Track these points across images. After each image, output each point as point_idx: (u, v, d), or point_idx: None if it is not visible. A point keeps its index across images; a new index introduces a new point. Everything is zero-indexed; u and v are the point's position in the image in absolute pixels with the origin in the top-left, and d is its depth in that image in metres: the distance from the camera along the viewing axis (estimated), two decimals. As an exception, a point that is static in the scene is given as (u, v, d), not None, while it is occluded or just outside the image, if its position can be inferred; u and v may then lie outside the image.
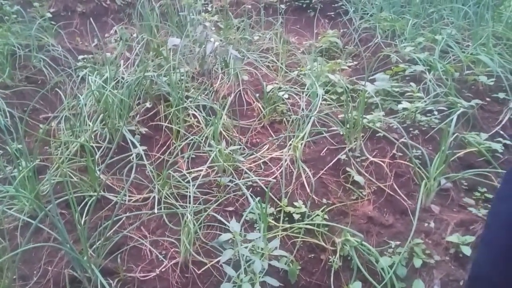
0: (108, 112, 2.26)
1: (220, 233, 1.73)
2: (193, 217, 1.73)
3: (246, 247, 1.55)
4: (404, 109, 2.36)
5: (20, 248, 1.54)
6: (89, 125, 2.28)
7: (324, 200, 1.90)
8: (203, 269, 1.63)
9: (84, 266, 1.56)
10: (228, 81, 2.69)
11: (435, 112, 2.36)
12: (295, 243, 1.73)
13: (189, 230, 1.65)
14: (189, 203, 1.80)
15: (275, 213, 1.83)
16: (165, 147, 2.27)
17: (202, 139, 2.19)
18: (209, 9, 3.76)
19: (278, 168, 2.05)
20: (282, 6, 4.06)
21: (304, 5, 4.21)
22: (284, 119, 2.46)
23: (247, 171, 2.02)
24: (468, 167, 2.07)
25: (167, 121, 2.34)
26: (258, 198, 1.72)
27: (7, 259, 1.51)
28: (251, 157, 2.16)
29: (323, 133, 2.28)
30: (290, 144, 2.14)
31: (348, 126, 2.18)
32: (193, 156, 2.18)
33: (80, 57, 3.06)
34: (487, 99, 2.56)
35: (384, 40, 3.29)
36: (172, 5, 3.30)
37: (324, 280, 1.67)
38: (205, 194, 1.93)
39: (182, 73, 2.60)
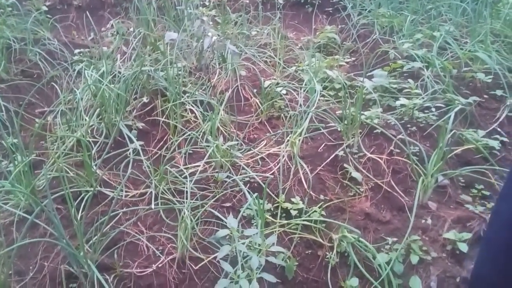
0: (105, 106, 2.24)
1: (217, 229, 1.73)
2: (190, 212, 1.72)
3: (243, 243, 1.55)
4: (402, 105, 2.36)
5: (16, 244, 1.53)
6: (85, 119, 2.26)
7: (322, 196, 1.90)
8: (200, 265, 1.62)
9: (81, 262, 1.55)
10: (226, 76, 2.68)
11: (433, 109, 2.36)
12: (292, 239, 1.73)
13: (186, 226, 1.65)
14: (186, 198, 1.79)
15: (272, 209, 1.83)
16: (162, 142, 2.25)
17: (199, 135, 2.18)
18: (207, 3, 3.73)
19: (276, 164, 2.04)
20: (280, 1, 4.04)
21: (302, 1, 4.19)
22: (282, 115, 2.46)
23: (244, 167, 2.01)
24: (465, 164, 2.07)
25: (164, 116, 2.33)
26: (256, 194, 1.71)
27: (2, 255, 1.50)
28: (248, 152, 2.15)
29: (320, 129, 2.27)
30: (288, 140, 2.13)
31: (346, 122, 2.18)
32: (190, 151, 2.17)
33: (76, 51, 3.03)
34: (485, 96, 2.56)
35: (382, 36, 3.28)
36: (170, -1, 3.27)
37: (321, 276, 1.67)
38: (202, 189, 1.92)
39: (179, 68, 2.58)
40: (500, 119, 2.38)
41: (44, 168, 1.97)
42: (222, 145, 2.04)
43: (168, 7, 3.20)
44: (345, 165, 2.03)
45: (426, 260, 1.66)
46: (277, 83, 2.61)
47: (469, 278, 1.55)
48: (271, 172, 2.00)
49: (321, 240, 1.73)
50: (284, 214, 1.82)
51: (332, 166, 2.06)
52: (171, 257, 1.65)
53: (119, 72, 2.46)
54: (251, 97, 2.59)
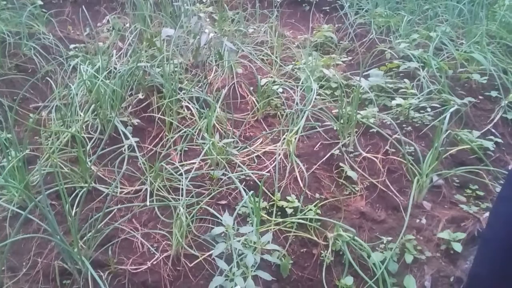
0: (100, 102, 2.22)
1: (212, 226, 1.73)
2: (186, 210, 1.71)
3: (238, 241, 1.55)
4: (398, 105, 2.37)
5: (9, 239, 1.52)
6: (80, 115, 2.24)
7: (317, 195, 1.91)
8: (195, 262, 1.62)
9: (75, 258, 1.54)
10: (222, 74, 2.67)
11: (429, 109, 2.37)
12: (288, 238, 1.73)
13: (181, 223, 1.64)
14: (182, 196, 1.78)
15: (268, 207, 1.83)
16: (157, 139, 2.24)
17: (195, 132, 2.17)
18: (204, 0, 3.72)
19: (272, 162, 2.04)
20: (278, -1, 4.03)
21: (299, -1, 4.19)
22: (278, 113, 2.45)
23: (240, 164, 2.01)
24: (460, 164, 2.08)
25: (160, 113, 2.32)
26: (251, 192, 1.71)
27: (-5, 250, 1.48)
28: (244, 150, 2.15)
29: (317, 128, 2.27)
30: (284, 138, 2.13)
31: (342, 121, 2.18)
32: (186, 148, 2.16)
33: (72, 46, 3.00)
34: (480, 97, 2.58)
35: (378, 36, 3.28)
36: (166, -5, 3.25)
37: (316, 274, 1.68)
38: (198, 187, 1.92)
39: (176, 64, 2.57)
40: (495, 120, 2.39)
41: (38, 163, 1.96)
42: (218, 143, 2.03)
43: (165, 3, 3.18)
44: (340, 164, 2.03)
45: (420, 259, 1.67)
46: (274, 81, 2.60)
47: (464, 278, 1.56)
48: (267, 170, 2.00)
49: (316, 239, 1.74)
50: (279, 212, 1.82)
51: (328, 164, 2.06)
52: (166, 254, 1.64)
53: (115, 68, 2.44)
54: (248, 95, 2.58)
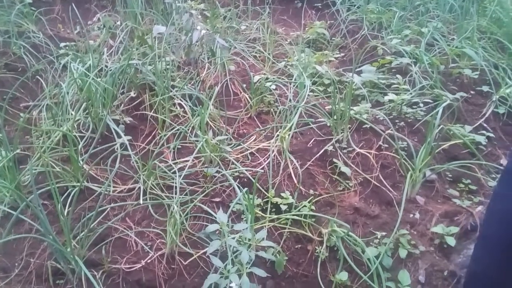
0: (91, 101, 2.20)
1: (206, 224, 1.72)
2: (180, 208, 1.71)
3: (233, 238, 1.54)
4: (390, 101, 2.37)
5: (1, 240, 1.50)
6: (71, 114, 2.22)
7: (311, 191, 1.91)
8: (189, 260, 1.61)
9: (68, 258, 1.53)
10: (215, 71, 2.66)
11: (421, 104, 2.38)
12: (282, 234, 1.73)
13: (175, 221, 1.63)
14: (175, 194, 1.77)
15: (262, 204, 1.83)
16: (150, 137, 2.23)
17: (188, 129, 2.16)
18: (195, -3, 3.70)
19: (266, 159, 2.04)
20: (269, -5, 4.02)
21: (291, -4, 4.18)
22: (272, 110, 2.45)
23: (234, 161, 2.00)
24: (452, 159, 2.10)
25: (152, 111, 2.30)
26: (246, 189, 1.70)
27: (-14, 251, 1.46)
28: (238, 148, 2.14)
29: (310, 124, 2.27)
30: (278, 135, 2.13)
31: (335, 117, 2.18)
32: (179, 146, 2.15)
33: (62, 44, 2.97)
34: (471, 92, 2.59)
35: (371, 32, 3.29)
36: (157, -8, 3.22)
37: (311, 270, 1.68)
38: (192, 185, 1.91)
39: (168, 62, 2.55)
40: (486, 115, 2.41)
41: (29, 163, 1.93)
42: (212, 140, 2.02)
43: (156, 1, 3.16)
44: (334, 160, 2.04)
45: (414, 254, 1.67)
46: (267, 78, 2.60)
47: (458, 272, 1.57)
48: (260, 167, 2.00)
49: (310, 235, 1.74)
50: (274, 209, 1.82)
51: (322, 161, 2.06)
52: (160, 252, 1.64)
53: (106, 66, 2.42)
54: (241, 92, 2.57)
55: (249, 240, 1.56)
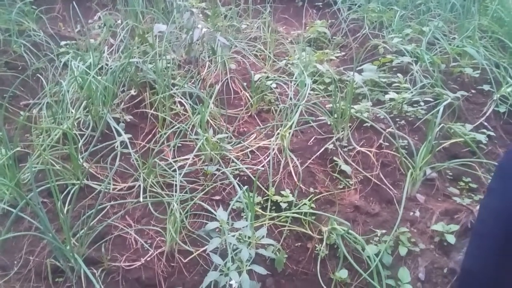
0: (92, 99, 2.20)
1: (206, 222, 1.72)
2: (179, 206, 1.70)
3: (233, 236, 1.54)
4: (391, 99, 2.37)
5: (0, 238, 1.50)
6: (71, 112, 2.22)
7: (311, 189, 1.90)
8: (189, 258, 1.61)
9: (67, 256, 1.53)
10: (215, 70, 2.66)
11: (422, 103, 2.37)
12: (282, 232, 1.72)
13: (175, 219, 1.63)
14: (175, 191, 1.77)
15: (262, 202, 1.82)
16: (150, 136, 2.22)
17: (188, 128, 2.16)
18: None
19: (266, 157, 2.03)
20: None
21: (292, -6, 4.17)
22: (272, 108, 2.45)
23: (234, 159, 2.00)
24: (453, 157, 2.09)
25: (152, 109, 2.30)
26: (246, 187, 1.70)
27: (-14, 248, 1.46)
28: (238, 146, 2.14)
29: (310, 123, 2.27)
30: (278, 133, 2.12)
31: (335, 116, 2.18)
32: (179, 144, 2.14)
33: (63, 43, 2.97)
34: (472, 91, 2.59)
35: (371, 31, 3.28)
36: (158, -9, 3.22)
37: (311, 268, 1.67)
38: (192, 183, 1.91)
39: (168, 60, 2.55)
40: (487, 114, 2.40)
41: (29, 161, 1.93)
42: (212, 138, 2.02)
43: (156, -1, 3.16)
44: (334, 158, 2.03)
45: (414, 251, 1.67)
46: (267, 77, 2.59)
47: (458, 269, 1.57)
48: (261, 165, 1.99)
49: (310, 233, 1.73)
50: (274, 207, 1.82)
51: (322, 159, 2.06)
52: (160, 250, 1.63)
53: (107, 64, 2.42)
54: (241, 91, 2.57)
55: (249, 238, 1.56)
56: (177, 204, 1.68)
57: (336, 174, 1.99)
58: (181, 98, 2.36)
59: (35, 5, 3.34)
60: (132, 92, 2.40)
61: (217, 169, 1.94)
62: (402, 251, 1.65)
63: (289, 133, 2.09)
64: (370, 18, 3.48)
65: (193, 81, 2.53)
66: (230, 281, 1.40)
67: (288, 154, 2.01)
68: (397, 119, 2.27)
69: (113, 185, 1.91)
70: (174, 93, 2.36)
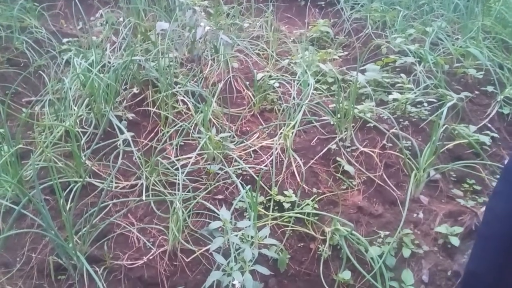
0: (94, 96, 2.19)
1: (209, 221, 1.71)
2: (182, 204, 1.70)
3: (236, 235, 1.53)
4: (395, 100, 2.36)
5: (2, 235, 1.49)
6: (74, 109, 2.21)
7: (314, 190, 1.90)
8: (192, 257, 1.61)
9: (70, 253, 1.52)
10: (218, 68, 2.64)
11: (425, 104, 2.37)
12: (285, 232, 1.72)
13: (178, 218, 1.62)
14: (178, 190, 1.76)
15: (265, 201, 1.82)
16: (153, 134, 2.22)
17: (191, 126, 2.15)
18: (199, -6, 3.68)
19: (269, 157, 2.03)
20: (273, -7, 4.00)
21: (295, -6, 4.16)
22: (275, 107, 2.44)
23: (237, 159, 1.99)
24: (456, 159, 2.08)
25: (155, 107, 2.29)
26: (249, 186, 1.69)
27: (-12, 246, 1.46)
28: (241, 145, 2.13)
29: (313, 123, 2.26)
30: (281, 133, 2.12)
31: (338, 116, 2.17)
32: (182, 143, 2.14)
33: (65, 40, 2.95)
34: (476, 92, 2.58)
35: (374, 31, 3.27)
36: (161, -12, 3.21)
37: (314, 269, 1.67)
38: (194, 181, 1.90)
39: (171, 58, 2.54)
40: (491, 115, 2.40)
41: (31, 158, 1.93)
42: (215, 137, 2.01)
43: (159, -3, 3.14)
44: (338, 158, 2.02)
45: (418, 253, 1.66)
46: (270, 76, 2.58)
47: (462, 272, 1.56)
48: (264, 165, 1.99)
49: (313, 233, 1.73)
50: (276, 207, 1.81)
51: (325, 159, 2.05)
52: (162, 249, 1.63)
53: (109, 62, 2.41)
54: (244, 90, 2.56)
55: (252, 237, 1.55)
56: (180, 203, 1.67)
57: (339, 175, 1.98)
58: (183, 96, 2.36)
59: (37, 2, 3.32)
60: (135, 90, 2.39)
61: (220, 168, 1.93)
62: (406, 253, 1.64)
63: (292, 132, 2.08)
64: (373, 17, 3.47)
65: (195, 79, 2.52)
66: (233, 281, 1.39)
67: (291, 154, 2.00)
68: (401, 120, 2.27)
69: (116, 183, 1.90)
70: (177, 91, 2.35)
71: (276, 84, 2.52)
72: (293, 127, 2.11)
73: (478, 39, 2.89)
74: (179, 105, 2.34)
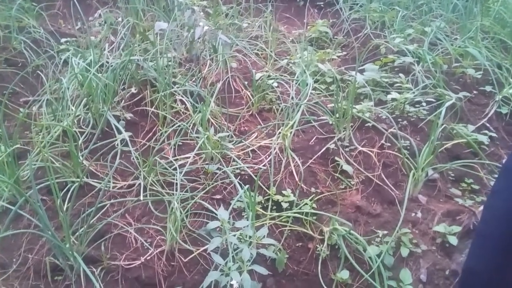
0: (92, 96, 2.19)
1: (207, 221, 1.70)
2: (180, 204, 1.69)
3: (234, 235, 1.53)
4: (393, 99, 2.36)
5: (-1, 235, 1.48)
6: (72, 109, 2.20)
7: (313, 189, 1.89)
8: (189, 257, 1.60)
9: (66, 254, 1.52)
10: (217, 68, 2.64)
11: (424, 104, 2.36)
12: (283, 232, 1.71)
13: (176, 218, 1.62)
14: (176, 190, 1.76)
15: (263, 201, 1.81)
16: (151, 134, 2.21)
17: (189, 126, 2.14)
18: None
19: (267, 157, 2.02)
20: (272, -7, 4.00)
21: (294, -6, 4.16)
22: (273, 107, 2.43)
23: (235, 158, 1.98)
24: (455, 158, 2.08)
25: (153, 107, 2.29)
26: (247, 186, 1.69)
27: (-16, 246, 1.45)
28: (239, 145, 2.13)
29: (312, 122, 2.25)
30: (279, 133, 2.11)
31: (337, 115, 2.17)
32: (180, 143, 2.13)
33: (63, 40, 2.95)
34: (474, 91, 2.58)
35: (373, 31, 3.27)
36: (159, -12, 3.20)
37: (312, 268, 1.66)
38: (192, 181, 1.89)
39: (169, 58, 2.54)
40: (489, 115, 2.40)
41: (29, 158, 1.92)
42: (213, 137, 2.01)
43: (158, -3, 3.14)
44: (336, 158, 2.02)
45: (416, 253, 1.66)
46: (269, 76, 2.58)
47: (460, 271, 1.56)
48: (262, 165, 1.98)
49: (311, 233, 1.72)
50: (275, 207, 1.80)
51: (324, 159, 2.05)
52: (160, 249, 1.62)
53: (107, 62, 2.40)
54: (242, 89, 2.56)
55: (250, 237, 1.55)
56: (178, 203, 1.67)
57: (337, 174, 1.98)
58: (182, 96, 2.35)
59: (35, 2, 3.32)
60: (133, 90, 2.38)
61: (218, 168, 1.93)
62: (404, 252, 1.64)
63: (291, 132, 2.08)
64: (372, 18, 3.47)
65: (194, 79, 2.52)
66: (231, 281, 1.38)
67: (290, 153, 2.00)
68: (399, 119, 2.26)
69: (113, 183, 1.89)
70: (175, 91, 2.35)
71: (275, 84, 2.52)
72: (292, 126, 2.11)
73: (477, 39, 2.89)
74: (178, 105, 2.33)
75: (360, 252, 1.66)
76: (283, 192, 1.83)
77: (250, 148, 2.10)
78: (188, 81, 2.45)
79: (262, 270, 1.47)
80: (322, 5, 4.04)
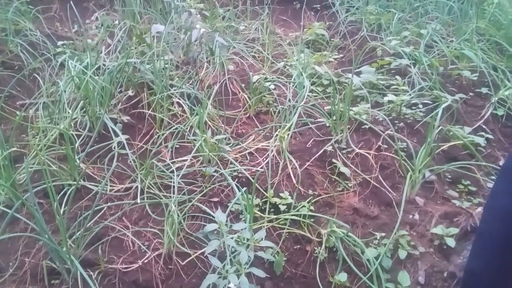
0: (89, 99, 2.18)
1: (204, 224, 1.70)
2: (177, 207, 1.69)
3: (231, 238, 1.52)
4: (390, 101, 2.37)
5: (-5, 239, 1.47)
6: (68, 112, 2.20)
7: (310, 191, 1.89)
8: (187, 260, 1.60)
9: (63, 257, 1.51)
10: (214, 71, 2.64)
11: (420, 106, 2.37)
12: (281, 234, 1.71)
13: (173, 221, 1.61)
14: (173, 193, 1.75)
15: (260, 204, 1.81)
16: (148, 136, 2.21)
17: (186, 129, 2.14)
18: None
19: (264, 159, 2.02)
20: (268, -4, 4.01)
21: (290, -3, 4.17)
22: (270, 109, 2.43)
23: (232, 161, 1.98)
24: (451, 160, 2.09)
25: (150, 110, 2.28)
26: (244, 188, 1.69)
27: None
28: (236, 147, 2.13)
29: (309, 125, 2.26)
30: (276, 135, 2.11)
31: (334, 117, 2.17)
32: (177, 146, 2.13)
33: (60, 43, 2.94)
34: (470, 93, 2.59)
35: (370, 34, 3.29)
36: (156, -9, 3.20)
37: (310, 271, 1.66)
38: (190, 184, 1.89)
39: (166, 61, 2.54)
40: (485, 117, 2.41)
41: (25, 161, 1.91)
42: (210, 139, 2.00)
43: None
44: (333, 160, 2.02)
45: (414, 255, 1.66)
46: (266, 78, 2.58)
47: (458, 273, 1.56)
48: (259, 167, 1.98)
49: (309, 235, 1.72)
50: (272, 209, 1.80)
51: (321, 161, 2.05)
52: (157, 252, 1.62)
53: (104, 65, 2.40)
54: (239, 92, 2.56)
55: (248, 240, 1.54)
56: (175, 206, 1.66)
57: (335, 176, 1.98)
58: (179, 99, 2.35)
59: (32, 5, 3.31)
60: (130, 92, 2.38)
61: (215, 171, 1.92)
62: (402, 254, 1.64)
63: (288, 134, 2.08)
64: (368, 20, 3.48)
65: (191, 82, 2.52)
66: (229, 284, 1.38)
67: (287, 156, 2.00)
68: (396, 121, 2.27)
69: (110, 186, 1.89)
70: (172, 93, 2.34)
71: (272, 86, 2.52)
72: (289, 129, 2.11)
73: (472, 41, 2.90)
74: (175, 107, 2.33)
75: (358, 255, 1.66)
76: (281, 194, 1.83)
77: (247, 151, 2.10)
78: (185, 84, 2.45)
79: (260, 273, 1.46)
80: (318, 8, 4.04)
